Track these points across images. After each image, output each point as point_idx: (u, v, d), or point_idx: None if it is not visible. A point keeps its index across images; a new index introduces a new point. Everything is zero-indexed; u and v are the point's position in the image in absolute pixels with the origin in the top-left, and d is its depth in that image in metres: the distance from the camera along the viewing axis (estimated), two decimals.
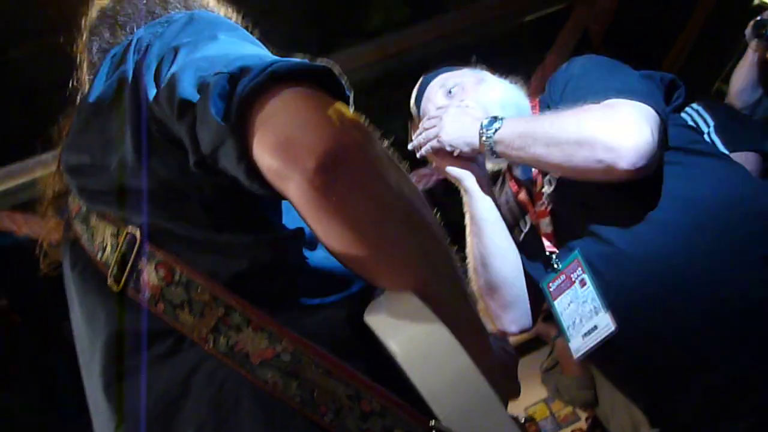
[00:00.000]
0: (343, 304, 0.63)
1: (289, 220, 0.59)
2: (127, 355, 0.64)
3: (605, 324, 1.10)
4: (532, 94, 1.36)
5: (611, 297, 1.11)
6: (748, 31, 1.77)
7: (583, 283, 1.14)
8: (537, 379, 2.95)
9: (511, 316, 1.31)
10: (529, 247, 1.28)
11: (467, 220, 1.30)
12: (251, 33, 0.74)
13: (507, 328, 1.32)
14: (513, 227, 1.32)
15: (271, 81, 0.58)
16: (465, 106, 1.24)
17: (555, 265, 1.20)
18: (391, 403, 0.58)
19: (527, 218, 1.29)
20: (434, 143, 1.26)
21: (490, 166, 1.32)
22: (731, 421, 1.04)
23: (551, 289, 1.22)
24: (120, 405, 0.63)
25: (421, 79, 1.42)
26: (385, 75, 3.04)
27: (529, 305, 1.31)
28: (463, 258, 1.30)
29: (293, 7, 2.69)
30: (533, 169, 1.27)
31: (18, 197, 2.60)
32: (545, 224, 1.22)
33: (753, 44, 1.77)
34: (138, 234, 0.64)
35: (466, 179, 1.28)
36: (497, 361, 0.66)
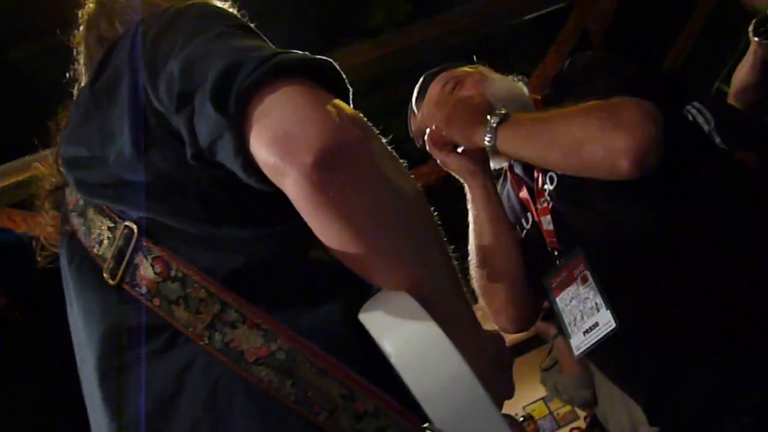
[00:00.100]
0: (341, 302, 0.62)
1: (289, 216, 0.59)
2: (122, 350, 0.63)
3: (606, 321, 1.10)
4: (532, 93, 1.37)
5: (613, 294, 1.11)
6: (750, 29, 1.77)
7: (584, 280, 1.14)
8: (536, 378, 2.95)
9: (511, 315, 1.31)
10: (530, 245, 1.28)
11: (470, 217, 1.30)
12: (251, 25, 0.74)
13: (506, 327, 1.32)
14: (514, 225, 1.33)
15: (270, 75, 0.57)
16: (470, 99, 1.24)
17: (557, 262, 1.20)
18: (385, 404, 0.58)
19: (529, 215, 1.29)
20: (438, 138, 1.26)
21: (493, 164, 1.33)
22: (731, 419, 1.04)
23: (553, 286, 1.22)
24: (115, 400, 0.63)
25: (423, 77, 1.42)
26: (386, 73, 3.04)
27: (529, 304, 1.31)
28: (465, 256, 1.30)
29: (294, 4, 2.69)
30: (534, 167, 1.27)
31: (17, 194, 2.60)
32: (547, 222, 1.22)
33: (755, 43, 1.77)
34: (135, 228, 0.64)
35: (470, 175, 1.28)
36: (492, 362, 0.65)
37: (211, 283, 0.60)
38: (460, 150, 1.26)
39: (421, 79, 1.42)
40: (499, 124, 1.15)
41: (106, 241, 0.66)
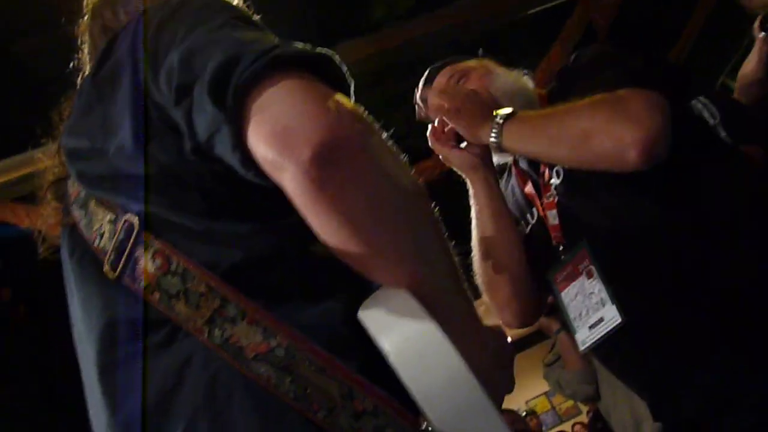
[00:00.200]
0: (341, 299, 0.62)
1: (289, 210, 0.58)
2: (122, 343, 0.63)
3: (612, 316, 1.10)
4: (537, 87, 1.36)
5: (618, 289, 1.10)
6: (755, 26, 1.75)
7: (590, 275, 1.14)
8: (539, 373, 2.96)
9: (515, 310, 1.30)
10: (535, 240, 1.27)
11: (473, 212, 1.30)
12: (254, 16, 0.73)
13: (510, 322, 1.32)
14: (519, 220, 1.32)
15: (269, 68, 0.56)
16: (476, 94, 1.23)
17: (562, 257, 1.20)
18: (384, 403, 0.58)
19: (534, 210, 1.29)
20: (440, 133, 1.26)
21: (497, 159, 1.32)
22: (732, 419, 1.03)
23: (558, 281, 1.21)
24: (114, 394, 0.63)
25: (428, 70, 1.41)
26: (387, 67, 3.04)
27: (533, 299, 1.31)
28: (467, 251, 1.30)
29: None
30: (541, 161, 1.26)
31: (20, 189, 2.60)
32: (552, 216, 1.22)
33: (760, 39, 1.75)
34: (136, 221, 0.64)
35: (472, 170, 1.28)
36: (493, 358, 0.64)
37: (212, 278, 0.60)
38: (462, 145, 1.26)
39: (426, 73, 1.41)
40: (505, 121, 1.14)
41: (107, 234, 0.66)
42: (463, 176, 1.31)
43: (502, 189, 1.33)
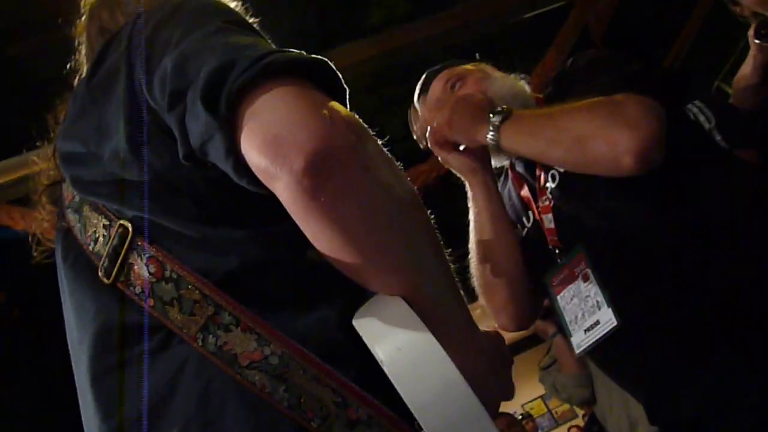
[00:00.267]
0: (336, 306, 0.62)
1: (284, 217, 0.58)
2: (116, 349, 0.63)
3: (608, 319, 1.10)
4: (533, 91, 1.36)
5: (615, 291, 1.11)
6: (750, 33, 1.76)
7: (586, 278, 1.14)
8: (534, 377, 2.95)
9: (511, 313, 1.31)
10: (531, 243, 1.28)
11: (471, 215, 1.30)
12: (251, 19, 0.73)
13: (506, 325, 1.32)
14: (515, 224, 1.32)
15: (263, 75, 0.56)
16: (471, 97, 1.24)
17: (558, 260, 1.20)
18: (378, 412, 0.57)
19: (530, 214, 1.29)
20: (439, 136, 1.26)
21: (494, 162, 1.32)
22: (732, 420, 1.04)
23: (554, 284, 1.22)
24: (107, 400, 0.63)
25: (425, 75, 1.42)
26: (385, 70, 3.04)
27: (529, 302, 1.31)
28: (464, 255, 1.30)
29: (294, 3, 2.68)
30: (536, 165, 1.27)
31: (16, 191, 2.59)
32: (548, 220, 1.22)
33: (756, 46, 1.76)
34: (129, 227, 0.64)
35: (471, 173, 1.28)
36: (490, 364, 0.64)
37: (205, 285, 0.60)
38: (461, 148, 1.26)
39: (423, 77, 1.41)
40: (501, 121, 1.14)
41: (101, 239, 0.66)
42: (462, 179, 1.31)
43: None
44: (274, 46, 0.62)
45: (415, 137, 1.40)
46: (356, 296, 0.61)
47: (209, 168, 0.60)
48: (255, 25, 0.71)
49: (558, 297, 1.21)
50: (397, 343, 0.57)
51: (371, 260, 0.58)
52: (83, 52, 0.87)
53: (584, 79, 1.19)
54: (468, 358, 0.59)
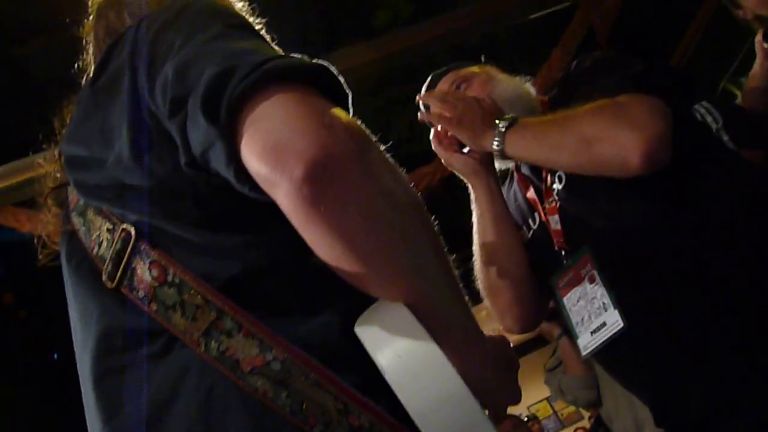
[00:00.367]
0: (339, 311, 0.61)
1: (285, 222, 0.57)
2: (119, 352, 0.63)
3: (614, 321, 1.10)
4: (538, 93, 1.36)
5: (621, 293, 1.10)
6: (758, 39, 1.75)
7: (592, 280, 1.14)
8: (540, 378, 2.95)
9: (516, 315, 1.30)
10: (537, 245, 1.27)
11: (474, 217, 1.30)
12: (255, 22, 0.73)
13: (512, 327, 1.32)
14: (521, 225, 1.32)
15: (263, 82, 0.55)
16: (478, 101, 1.23)
17: (564, 262, 1.20)
18: (380, 419, 0.57)
19: (536, 216, 1.29)
20: (443, 138, 1.26)
21: (498, 164, 1.32)
22: (734, 420, 1.03)
23: (560, 286, 1.21)
24: (109, 403, 0.63)
25: (430, 77, 1.41)
26: (390, 72, 3.04)
27: (534, 304, 1.31)
28: (469, 256, 1.30)
29: (299, 5, 2.68)
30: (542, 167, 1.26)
31: (21, 193, 2.60)
32: (555, 221, 1.22)
33: (764, 50, 1.75)
34: (133, 231, 0.64)
35: (474, 175, 1.28)
36: (495, 369, 0.64)
37: (208, 290, 0.60)
38: (465, 150, 1.26)
39: (429, 79, 1.41)
40: (507, 128, 1.14)
41: (105, 243, 0.66)
42: (466, 181, 1.31)
43: (504, 194, 1.33)
44: (277, 50, 0.62)
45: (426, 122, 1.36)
46: (359, 302, 0.61)
47: (212, 174, 0.60)
48: (259, 27, 0.71)
49: (564, 299, 1.20)
50: (398, 350, 0.56)
51: (372, 267, 0.57)
52: (90, 51, 0.87)
53: (589, 81, 1.19)
54: (472, 364, 0.59)
